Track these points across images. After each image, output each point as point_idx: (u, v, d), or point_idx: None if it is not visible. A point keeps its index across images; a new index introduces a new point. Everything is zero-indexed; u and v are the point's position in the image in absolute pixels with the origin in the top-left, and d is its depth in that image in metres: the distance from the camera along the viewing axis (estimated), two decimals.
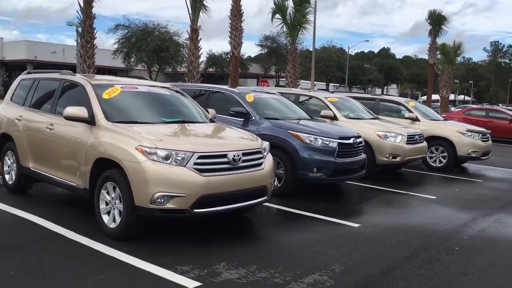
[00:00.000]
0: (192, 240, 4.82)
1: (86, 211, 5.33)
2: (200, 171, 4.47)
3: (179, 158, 4.44)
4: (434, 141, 10.66)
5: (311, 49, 32.28)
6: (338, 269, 4.20)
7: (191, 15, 16.22)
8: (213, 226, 5.36)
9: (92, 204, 4.92)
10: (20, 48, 39.36)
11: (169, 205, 4.38)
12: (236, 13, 18.90)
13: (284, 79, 28.17)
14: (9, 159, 6.54)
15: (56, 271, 3.89)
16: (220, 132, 5.66)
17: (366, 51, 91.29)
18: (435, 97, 39.64)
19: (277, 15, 20.20)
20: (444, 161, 10.65)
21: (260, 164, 5.04)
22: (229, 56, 26.79)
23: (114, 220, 4.68)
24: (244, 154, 4.84)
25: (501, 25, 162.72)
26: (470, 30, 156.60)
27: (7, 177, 6.59)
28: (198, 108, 6.18)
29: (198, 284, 3.74)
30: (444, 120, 12.78)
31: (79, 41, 13.92)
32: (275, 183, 6.87)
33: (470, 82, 79.35)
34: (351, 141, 7.21)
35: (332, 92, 12.71)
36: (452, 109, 34.84)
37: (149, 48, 34.01)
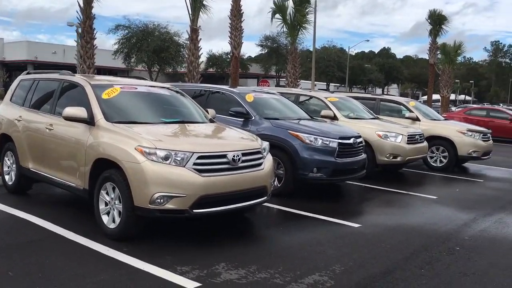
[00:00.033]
0: (191, 241, 4.81)
1: (86, 212, 5.32)
2: (200, 171, 4.46)
3: (179, 159, 4.43)
4: (435, 141, 10.65)
5: (311, 49, 32.28)
6: (338, 270, 4.18)
7: (191, 15, 16.22)
8: (213, 226, 5.35)
9: (92, 204, 4.90)
10: (20, 49, 39.40)
11: (169, 206, 4.36)
12: (236, 13, 18.89)
13: (284, 79, 28.14)
14: (8, 159, 6.53)
15: (55, 271, 3.88)
16: (219, 132, 5.64)
17: (366, 51, 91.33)
18: (435, 97, 39.65)
19: (277, 15, 20.18)
20: (444, 161, 10.63)
21: (260, 164, 5.03)
22: (229, 56, 26.77)
23: (113, 221, 4.67)
24: (243, 154, 4.82)
25: (501, 24, 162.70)
26: (471, 29, 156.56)
27: (6, 177, 6.58)
28: (197, 108, 6.16)
29: (198, 284, 3.73)
30: (445, 120, 12.76)
31: (79, 41, 13.87)
32: (275, 183, 6.85)
33: (470, 82, 79.30)
34: (351, 141, 7.20)
35: (333, 92, 12.69)
36: (453, 109, 34.82)
37: (149, 48, 34.01)
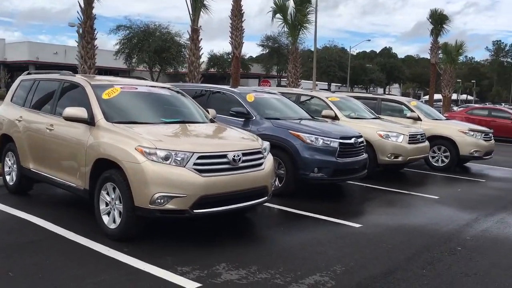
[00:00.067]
0: (192, 241, 4.80)
1: (87, 212, 5.31)
2: (200, 171, 4.44)
3: (179, 159, 4.42)
4: (436, 140, 10.62)
5: (312, 49, 32.25)
6: (339, 270, 4.17)
7: (191, 15, 16.20)
8: (214, 226, 5.34)
9: (92, 205, 4.90)
10: (22, 49, 39.47)
11: (169, 206, 4.35)
12: (237, 13, 18.87)
13: (285, 79, 28.13)
14: (9, 160, 6.53)
15: (55, 272, 3.87)
16: (220, 132, 5.63)
17: (367, 50, 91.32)
18: (437, 96, 39.54)
19: (278, 15, 20.14)
20: (446, 160, 10.60)
21: (260, 164, 5.02)
22: (230, 56, 26.75)
23: (114, 221, 4.66)
24: (244, 154, 4.81)
25: (503, 24, 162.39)
26: (472, 29, 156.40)
27: (7, 178, 6.58)
28: (198, 108, 6.15)
29: (198, 285, 3.72)
30: (447, 119, 12.73)
31: (79, 42, 13.87)
32: (276, 183, 6.85)
33: (472, 81, 79.19)
34: (352, 141, 7.18)
35: (334, 92, 12.66)
36: (455, 108, 34.74)
37: (150, 48, 34.03)
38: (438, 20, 29.90)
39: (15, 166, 6.35)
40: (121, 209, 4.55)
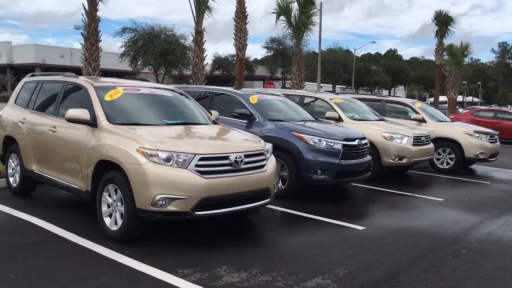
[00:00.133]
0: (193, 243, 4.78)
1: (89, 214, 5.30)
2: (202, 173, 4.43)
3: (181, 160, 4.40)
4: (441, 142, 10.54)
5: (317, 51, 32.19)
6: (341, 273, 4.13)
7: (195, 17, 16.23)
8: (215, 228, 5.31)
9: (95, 206, 4.89)
10: (28, 52, 39.78)
11: (170, 208, 4.34)
12: (241, 15, 18.90)
13: (290, 81, 28.11)
14: (13, 161, 6.54)
15: (56, 274, 3.87)
16: (222, 134, 5.61)
17: (372, 52, 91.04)
18: (442, 98, 39.38)
19: (282, 17, 20.14)
20: (451, 162, 10.52)
21: (262, 166, 4.99)
22: (234, 58, 26.80)
23: (115, 223, 4.65)
24: (246, 156, 4.79)
25: (508, 26, 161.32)
26: (478, 31, 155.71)
27: (11, 179, 6.59)
28: (200, 110, 6.14)
29: (199, 287, 3.70)
30: (452, 121, 12.65)
31: (84, 44, 13.92)
32: (279, 185, 6.82)
33: (478, 83, 78.75)
34: (356, 142, 7.14)
35: (338, 94, 12.63)
36: (460, 110, 34.57)
37: (155, 51, 34.17)
38: (443, 21, 29.80)
39: (18, 167, 6.36)
40: (122, 211, 4.53)
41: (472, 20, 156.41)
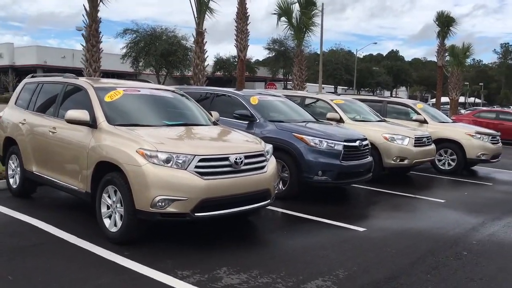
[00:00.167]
0: (193, 244, 4.76)
1: (89, 215, 5.29)
2: (202, 174, 4.41)
3: (180, 161, 4.39)
4: (443, 143, 10.51)
5: (319, 52, 32.18)
6: (341, 274, 4.11)
7: (196, 18, 16.21)
8: (215, 230, 5.30)
9: (94, 208, 4.88)
10: (30, 54, 39.88)
11: (170, 209, 4.32)
12: (242, 16, 18.86)
13: (291, 82, 28.09)
14: (13, 163, 6.54)
15: (56, 275, 3.86)
16: (222, 135, 5.60)
17: (374, 53, 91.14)
18: (444, 99, 39.27)
19: (283, 18, 20.11)
20: (453, 164, 10.49)
21: (263, 167, 4.97)
22: (236, 59, 26.78)
23: (115, 224, 4.64)
24: (246, 157, 4.77)
25: (511, 27, 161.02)
26: (480, 32, 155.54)
27: (11, 181, 6.59)
28: (201, 110, 6.13)
29: None
30: (453, 122, 12.61)
31: (85, 45, 13.91)
32: (280, 186, 6.80)
33: (480, 84, 78.59)
34: (356, 143, 7.11)
35: (339, 95, 12.61)
36: (462, 111, 34.48)
37: (157, 52, 34.19)
38: (445, 22, 29.70)
39: (18, 169, 6.36)
40: (122, 212, 4.52)
41: (475, 21, 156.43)
